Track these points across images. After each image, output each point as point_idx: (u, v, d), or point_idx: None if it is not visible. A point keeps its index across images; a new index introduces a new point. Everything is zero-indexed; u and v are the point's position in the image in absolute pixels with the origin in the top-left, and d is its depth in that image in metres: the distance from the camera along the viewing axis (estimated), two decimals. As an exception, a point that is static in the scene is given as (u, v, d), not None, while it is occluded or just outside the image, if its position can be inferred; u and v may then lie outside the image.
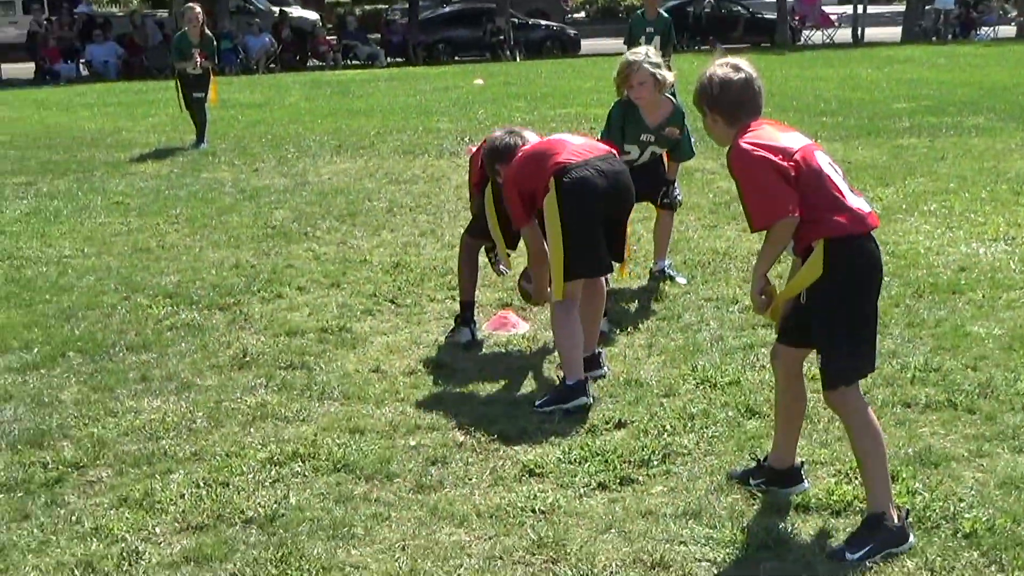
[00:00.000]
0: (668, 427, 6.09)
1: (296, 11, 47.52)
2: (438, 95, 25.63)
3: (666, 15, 17.64)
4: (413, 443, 6.08)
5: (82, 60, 40.78)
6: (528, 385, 6.93)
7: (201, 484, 5.63)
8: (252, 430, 6.34)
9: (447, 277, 9.36)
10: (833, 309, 4.85)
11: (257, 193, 13.62)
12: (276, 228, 11.57)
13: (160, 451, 6.07)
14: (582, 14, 66.65)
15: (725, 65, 5.12)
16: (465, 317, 7.92)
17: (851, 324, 4.85)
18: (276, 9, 46.47)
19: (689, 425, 6.14)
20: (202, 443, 6.17)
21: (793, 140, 4.94)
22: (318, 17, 47.60)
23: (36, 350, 7.81)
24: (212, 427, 6.41)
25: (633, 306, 8.49)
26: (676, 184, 9.31)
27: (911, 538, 4.77)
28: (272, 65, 40.31)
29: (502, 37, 42.68)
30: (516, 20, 44.74)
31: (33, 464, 5.95)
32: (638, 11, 17.88)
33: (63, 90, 32.67)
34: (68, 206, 13.18)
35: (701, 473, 5.56)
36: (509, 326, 8.04)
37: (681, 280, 9.11)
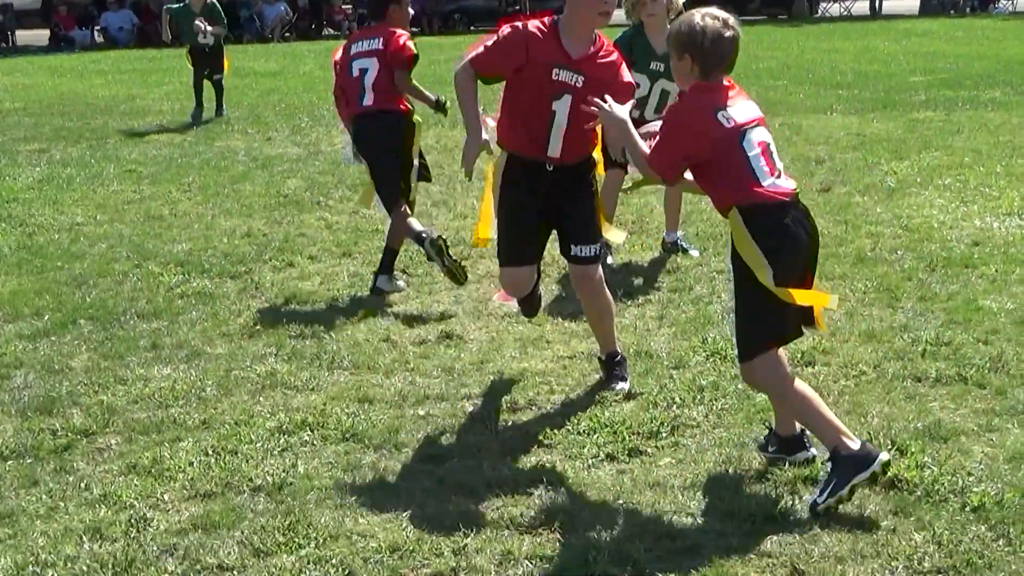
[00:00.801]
0: (677, 399, 6.08)
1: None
2: (453, 65, 25.55)
3: None
4: (422, 413, 6.08)
5: (97, 27, 40.80)
6: (537, 356, 6.92)
7: (210, 452, 5.64)
8: (261, 399, 6.35)
9: (459, 247, 9.34)
10: (738, 278, 5.04)
11: (270, 162, 13.63)
12: (288, 197, 11.57)
13: (169, 419, 6.08)
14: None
15: (716, 19, 5.16)
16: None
17: (753, 294, 4.97)
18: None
19: (699, 397, 6.13)
20: (211, 411, 6.18)
21: (738, 113, 5.08)
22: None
23: (47, 317, 7.82)
24: (221, 395, 6.42)
25: (644, 278, 8.47)
26: None
27: (878, 455, 4.79)
28: (287, 34, 40.31)
29: (518, 7, 42.58)
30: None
31: (42, 431, 5.96)
32: None
33: (77, 57, 32.70)
34: (81, 173, 13.19)
35: (709, 445, 5.54)
36: (520, 297, 8.01)
37: (693, 252, 9.10)
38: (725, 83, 5.20)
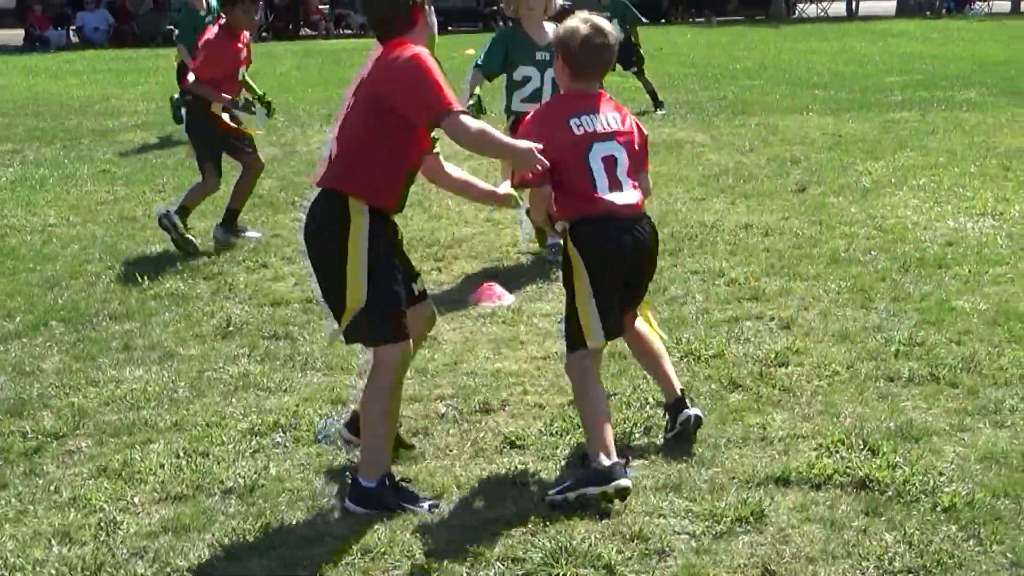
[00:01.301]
0: (651, 400, 6.07)
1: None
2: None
3: None
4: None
5: (72, 27, 40.62)
6: (511, 357, 6.90)
7: (181, 454, 5.61)
8: (234, 400, 6.32)
9: (433, 248, 9.34)
10: (567, 278, 5.34)
11: (245, 163, 13.56)
12: (263, 198, 11.53)
13: (141, 421, 6.05)
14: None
15: (590, 25, 5.33)
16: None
17: (579, 298, 5.27)
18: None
19: (672, 398, 6.12)
20: (183, 413, 6.15)
21: (595, 123, 5.31)
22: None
23: (18, 319, 7.78)
24: (194, 397, 6.39)
25: (619, 278, 8.45)
26: None
27: (620, 478, 4.89)
28: (264, 34, 40.17)
29: (495, 7, 42.54)
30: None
31: (12, 433, 5.93)
32: None
33: (52, 57, 32.56)
34: (54, 174, 13.14)
35: (681, 446, 5.53)
36: (494, 298, 8.01)
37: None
38: (594, 92, 5.43)
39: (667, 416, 5.61)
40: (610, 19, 17.15)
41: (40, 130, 16.82)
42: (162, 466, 5.49)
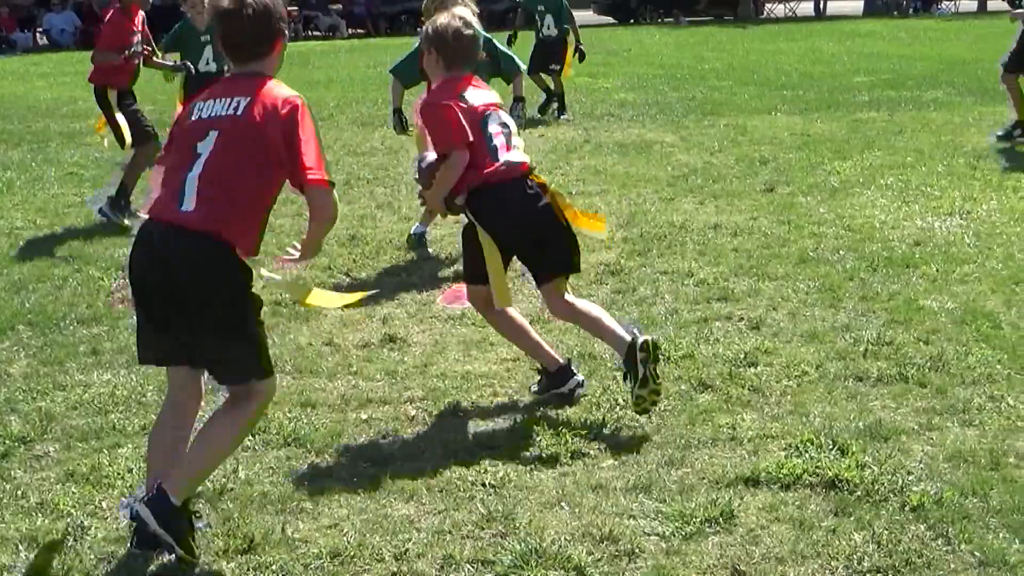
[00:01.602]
0: (620, 401, 6.07)
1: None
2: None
3: None
4: (364, 417, 6.05)
5: (39, 29, 40.42)
6: (481, 359, 6.90)
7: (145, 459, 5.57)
8: (202, 404, 6.27)
9: (402, 251, 9.32)
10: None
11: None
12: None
13: (109, 425, 6.02)
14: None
15: (458, 19, 6.14)
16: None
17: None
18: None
19: (641, 399, 6.12)
20: (152, 417, 6.07)
21: (476, 99, 6.08)
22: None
23: (-19, 323, 7.74)
24: (162, 401, 6.34)
25: (587, 279, 8.45)
26: (518, 105, 11.17)
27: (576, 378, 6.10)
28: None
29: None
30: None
31: (-41, 439, 5.88)
32: None
33: (19, 59, 32.38)
34: (21, 177, 13.07)
35: (652, 447, 5.54)
36: (463, 299, 7.99)
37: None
38: (465, 76, 6.16)
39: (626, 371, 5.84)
40: (544, 13, 17.38)
41: (7, 132, 16.72)
42: (130, 470, 5.46)
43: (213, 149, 4.54)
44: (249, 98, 4.58)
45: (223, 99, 4.62)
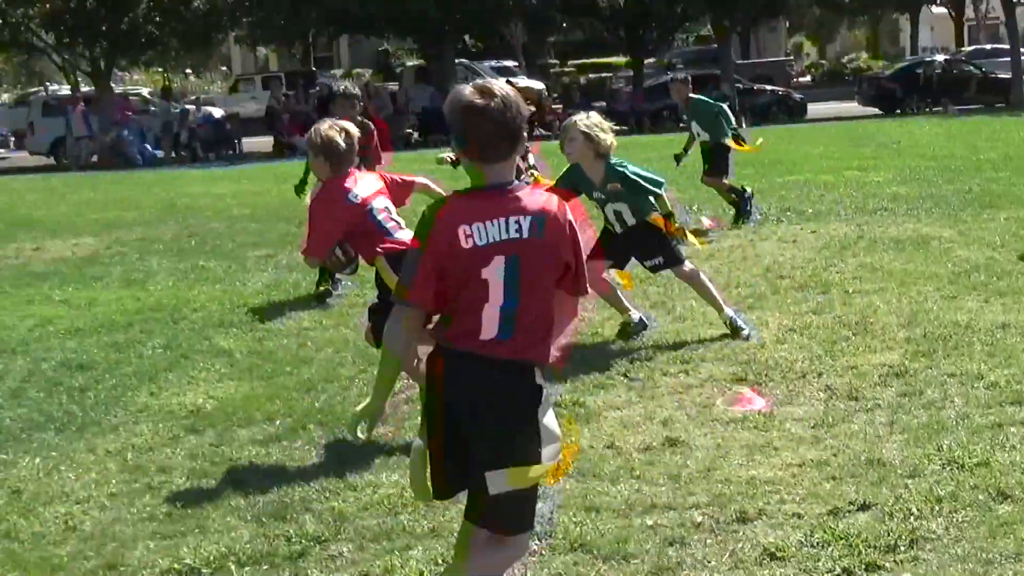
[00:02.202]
0: (915, 510, 5.88)
1: (523, 81, 48.28)
2: (665, 163, 25.57)
3: (706, 101, 17.09)
4: (650, 523, 6.01)
5: (318, 134, 42.04)
6: (765, 464, 6.78)
7: (439, 561, 5.66)
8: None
9: (680, 350, 9.29)
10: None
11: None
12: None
13: (399, 526, 6.14)
14: (807, 78, 66.02)
15: (340, 130, 7.62)
16: None
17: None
18: (503, 80, 47.24)
19: (937, 509, 5.92)
20: (439, 519, 6.21)
21: (363, 190, 7.58)
22: (543, 87, 48.21)
23: (278, 422, 8.02)
24: (448, 503, 6.42)
25: (870, 380, 8.25)
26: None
27: None
28: (499, 135, 40.93)
29: (728, 103, 42.48)
30: (741, 85, 44.55)
31: (277, 537, 6.09)
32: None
33: (300, 164, 33.69)
34: (306, 278, 13.55)
35: (951, 560, 5.34)
36: (745, 402, 7.92)
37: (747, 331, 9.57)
38: (349, 173, 7.61)
39: None
40: (690, 121, 16.30)
41: (292, 235, 17.39)
42: (422, 573, 5.56)
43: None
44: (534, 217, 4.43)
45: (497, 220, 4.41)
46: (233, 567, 5.79)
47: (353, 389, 8.76)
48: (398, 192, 7.93)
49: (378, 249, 7.52)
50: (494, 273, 4.39)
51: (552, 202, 4.47)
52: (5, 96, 73.94)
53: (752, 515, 6.03)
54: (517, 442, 4.43)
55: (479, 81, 4.45)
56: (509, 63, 56.30)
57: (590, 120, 9.54)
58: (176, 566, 5.84)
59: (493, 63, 54.34)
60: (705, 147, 16.82)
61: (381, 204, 7.63)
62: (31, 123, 44.16)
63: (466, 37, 55.29)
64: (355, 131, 7.73)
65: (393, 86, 49.85)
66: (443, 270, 4.39)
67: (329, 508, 6.45)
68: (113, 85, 48.13)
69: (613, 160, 9.62)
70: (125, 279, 14.38)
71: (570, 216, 4.49)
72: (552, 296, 4.51)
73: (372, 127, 12.35)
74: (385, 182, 7.88)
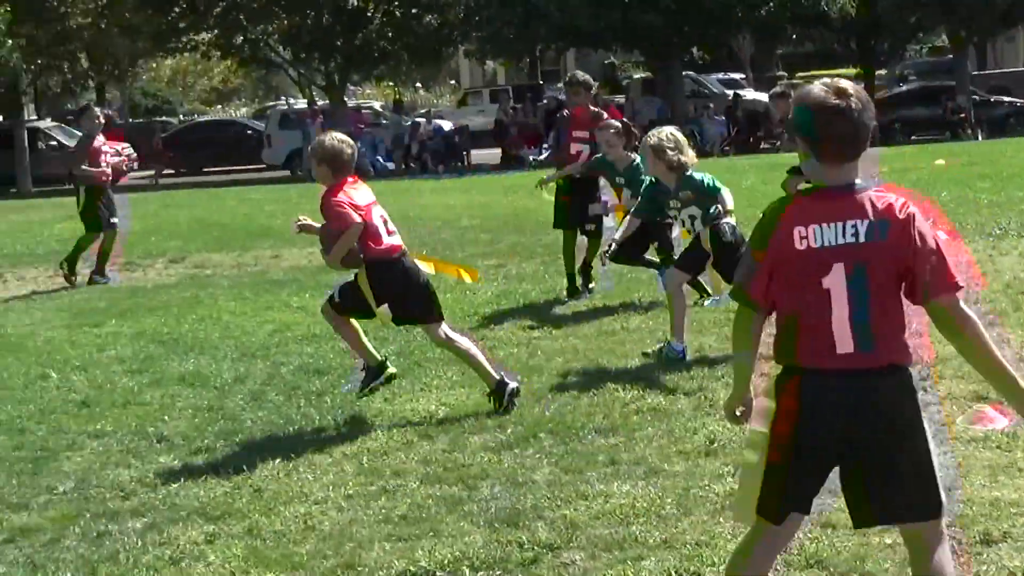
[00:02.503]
0: None
1: (749, 94, 47.82)
2: (896, 176, 25.02)
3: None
4: (888, 541, 5.85)
5: (546, 145, 42.40)
6: (1009, 485, 6.54)
7: (672, 573, 5.65)
8: (721, 519, 6.30)
9: (917, 367, 9.03)
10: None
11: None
12: (738, 313, 11.50)
13: (631, 537, 6.13)
14: (1049, 89, 63.59)
15: (341, 140, 8.68)
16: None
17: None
18: (730, 92, 46.87)
19: None
20: (672, 530, 6.19)
21: (360, 198, 8.60)
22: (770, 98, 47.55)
23: (509, 430, 8.10)
24: (681, 514, 6.42)
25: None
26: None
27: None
28: (726, 147, 40.68)
29: (963, 115, 41.28)
30: (977, 97, 43.19)
31: (510, 543, 6.14)
32: None
33: (529, 175, 34.02)
34: (536, 288, 13.67)
35: None
36: (987, 420, 7.66)
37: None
38: (350, 179, 8.65)
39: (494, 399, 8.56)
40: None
41: (521, 245, 17.59)
42: (654, 584, 5.54)
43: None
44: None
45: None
46: (467, 571, 5.87)
47: (583, 399, 8.79)
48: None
49: (370, 249, 8.51)
50: (836, 282, 4.26)
51: (899, 204, 4.29)
52: (243, 110, 76.71)
53: (996, 537, 5.84)
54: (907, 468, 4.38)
55: (827, 80, 4.33)
56: (736, 75, 55.76)
57: (660, 134, 10.34)
58: (411, 568, 5.95)
59: (720, 76, 53.93)
60: None
61: (379, 211, 8.67)
62: (268, 136, 45.63)
63: (693, 49, 54.87)
64: (353, 145, 8.79)
65: (620, 99, 49.90)
66: (777, 272, 4.33)
67: (561, 516, 6.48)
68: (346, 99, 49.39)
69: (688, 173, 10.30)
70: (359, 287, 14.70)
71: (919, 220, 4.29)
72: (900, 299, 4.34)
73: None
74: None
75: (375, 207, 8.65)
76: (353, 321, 9.01)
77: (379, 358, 9.04)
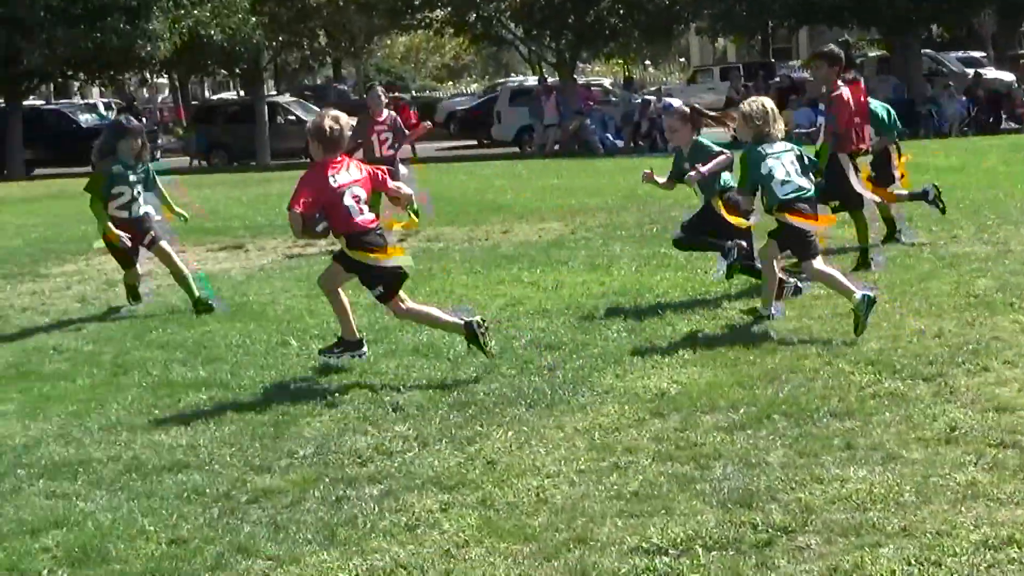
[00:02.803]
0: None
1: (991, 72, 46.20)
2: None
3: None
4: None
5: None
6: None
7: (912, 561, 5.51)
8: (963, 509, 6.13)
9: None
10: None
11: (957, 260, 13.27)
12: (979, 298, 11.18)
13: (868, 523, 6.01)
14: None
15: (331, 118, 9.22)
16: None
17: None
18: (970, 71, 45.37)
19: None
20: (911, 518, 6.04)
21: (342, 177, 9.29)
22: (1014, 78, 45.91)
23: (742, 410, 8.01)
24: (920, 503, 6.26)
25: None
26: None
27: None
28: (965, 128, 39.45)
29: None
30: None
31: (743, 524, 6.09)
32: None
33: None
34: (646, 266, 13.55)
35: None
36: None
37: None
38: (338, 159, 9.32)
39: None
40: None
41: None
42: (893, 572, 5.42)
43: None
44: None
45: None
46: (700, 550, 5.83)
47: (818, 381, 8.64)
48: (375, 186, 9.57)
49: (341, 228, 9.28)
50: None
51: None
52: (474, 86, 77.64)
53: None
54: None
55: None
56: (977, 54, 53.89)
57: (748, 103, 10.71)
58: (644, 544, 5.95)
59: (960, 54, 52.21)
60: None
61: (354, 191, 9.25)
62: (498, 112, 46.09)
63: (932, 27, 53.20)
64: (347, 121, 9.41)
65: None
66: None
67: (796, 499, 6.39)
68: (575, 76, 49.50)
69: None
70: (590, 263, 14.76)
71: None
72: None
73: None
74: (369, 176, 9.52)
75: (351, 187, 9.26)
76: (343, 296, 9.86)
77: (358, 336, 9.97)
